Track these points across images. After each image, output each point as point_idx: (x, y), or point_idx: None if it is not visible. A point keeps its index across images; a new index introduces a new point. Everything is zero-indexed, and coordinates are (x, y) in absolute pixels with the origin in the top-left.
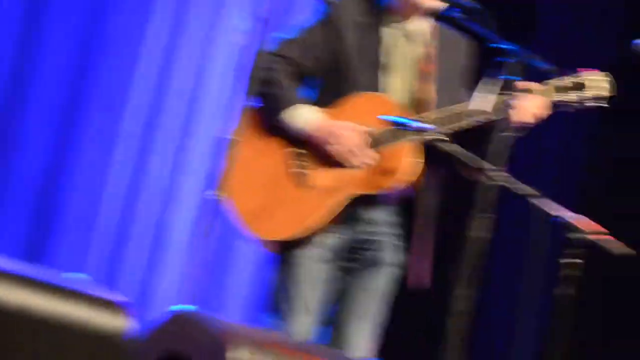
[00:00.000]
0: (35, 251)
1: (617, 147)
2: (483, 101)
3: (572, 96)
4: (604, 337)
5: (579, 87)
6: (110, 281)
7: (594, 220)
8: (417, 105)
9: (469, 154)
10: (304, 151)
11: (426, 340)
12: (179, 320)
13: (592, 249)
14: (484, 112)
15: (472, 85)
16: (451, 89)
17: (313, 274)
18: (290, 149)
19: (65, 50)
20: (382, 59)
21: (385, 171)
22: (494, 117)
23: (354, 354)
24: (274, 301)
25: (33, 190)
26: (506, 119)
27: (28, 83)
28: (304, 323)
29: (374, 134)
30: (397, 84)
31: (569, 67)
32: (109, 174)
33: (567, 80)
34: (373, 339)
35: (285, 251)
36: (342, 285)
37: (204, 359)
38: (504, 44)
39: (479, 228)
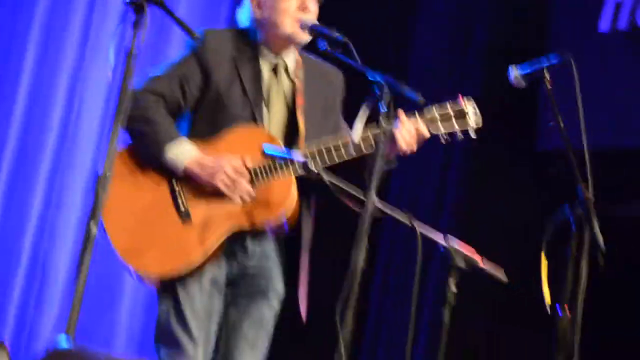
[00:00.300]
0: None
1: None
2: (361, 131)
3: (450, 126)
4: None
5: (461, 115)
6: None
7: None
8: (289, 137)
9: (346, 185)
10: (183, 186)
11: None
12: (58, 356)
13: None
14: (358, 145)
15: (339, 115)
16: (319, 120)
17: (197, 307)
18: (170, 184)
19: None
20: (255, 92)
21: (264, 205)
22: (368, 150)
23: None
24: (161, 334)
25: None
26: (383, 149)
27: None
28: (193, 356)
29: (253, 167)
30: (271, 116)
31: (438, 98)
32: None
33: (449, 108)
34: None
35: (167, 285)
36: (227, 316)
37: None
38: (373, 75)
39: (359, 256)
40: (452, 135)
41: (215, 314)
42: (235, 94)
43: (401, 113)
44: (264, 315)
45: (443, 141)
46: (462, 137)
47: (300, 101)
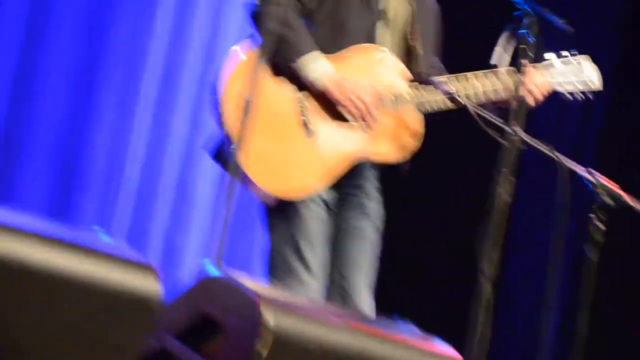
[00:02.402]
0: (59, 209)
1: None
2: (501, 58)
3: (569, 84)
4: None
5: (578, 70)
6: (134, 240)
7: None
8: (406, 63)
9: (493, 116)
10: (311, 101)
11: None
12: (209, 282)
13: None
14: (498, 90)
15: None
16: (430, 47)
17: (311, 234)
18: (298, 96)
19: (82, 10)
20: (380, 9)
21: (397, 137)
22: (506, 96)
23: (361, 309)
24: (274, 264)
25: (57, 148)
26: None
27: (47, 44)
28: (308, 284)
29: (389, 95)
30: (390, 37)
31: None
32: (131, 132)
33: (567, 61)
34: (371, 293)
35: (280, 211)
36: (335, 240)
37: (237, 321)
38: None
39: (503, 189)
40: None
41: (328, 238)
42: (355, 6)
43: (527, 64)
44: (371, 238)
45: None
46: (583, 97)
47: (414, 25)
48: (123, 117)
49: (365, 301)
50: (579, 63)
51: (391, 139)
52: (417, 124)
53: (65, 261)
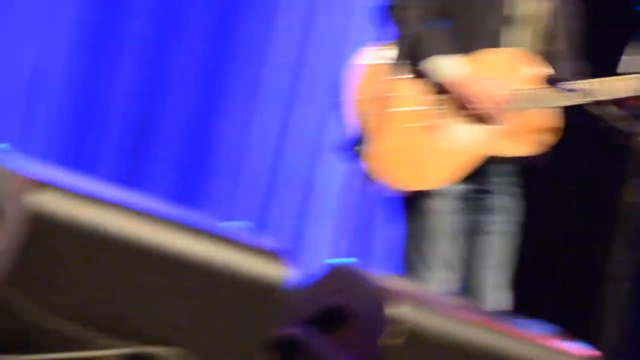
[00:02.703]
0: (188, 197)
1: None
2: (631, 66)
3: None
4: None
5: None
6: (260, 230)
7: None
8: (546, 63)
9: (623, 117)
10: (442, 101)
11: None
12: (338, 273)
13: None
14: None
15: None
16: (570, 49)
17: (448, 226)
18: (431, 98)
19: (211, 2)
20: (508, 10)
21: (528, 135)
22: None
23: (489, 306)
24: (407, 255)
25: (186, 138)
26: None
27: (178, 36)
28: (443, 279)
29: (520, 94)
30: (523, 38)
31: None
32: (256, 123)
33: None
34: (504, 291)
35: (407, 203)
36: (467, 236)
37: (366, 313)
38: None
39: (635, 193)
40: None
41: (457, 232)
42: (486, 10)
43: None
44: (505, 235)
45: None
46: None
47: (554, 26)
48: (251, 107)
49: (494, 298)
50: None
51: (521, 136)
52: (551, 119)
53: (196, 246)
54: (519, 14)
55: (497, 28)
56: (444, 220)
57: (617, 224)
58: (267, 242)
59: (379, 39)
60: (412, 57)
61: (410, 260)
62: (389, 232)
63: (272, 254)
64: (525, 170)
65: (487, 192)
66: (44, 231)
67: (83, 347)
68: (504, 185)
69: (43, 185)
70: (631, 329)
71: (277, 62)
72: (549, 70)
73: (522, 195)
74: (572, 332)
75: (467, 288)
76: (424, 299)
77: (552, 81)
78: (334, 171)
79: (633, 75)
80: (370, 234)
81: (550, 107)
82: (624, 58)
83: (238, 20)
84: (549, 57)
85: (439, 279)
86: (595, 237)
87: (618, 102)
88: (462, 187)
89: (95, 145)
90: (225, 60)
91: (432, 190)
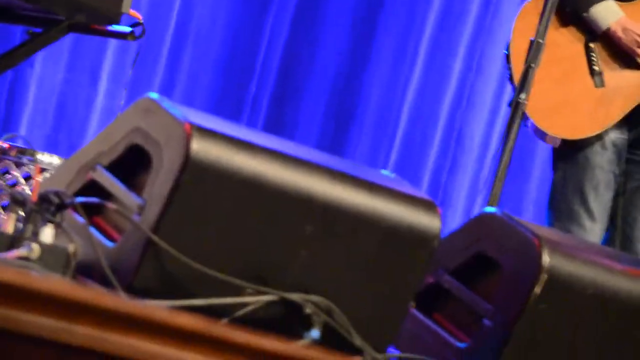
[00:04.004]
0: (334, 146)
1: None
2: None
3: None
4: None
5: None
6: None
7: None
8: None
9: None
10: (600, 47)
11: None
12: (487, 221)
13: None
14: None
15: None
16: None
17: (598, 176)
18: (587, 45)
19: None
20: None
21: None
22: None
23: None
24: (556, 203)
25: (335, 89)
26: None
27: None
28: (589, 229)
29: None
30: None
31: None
32: (406, 74)
33: None
34: None
35: (566, 149)
36: (623, 187)
37: (513, 261)
38: None
39: None
40: None
41: (614, 183)
42: None
43: None
44: None
45: None
46: None
47: None
48: (399, 59)
49: None
50: None
51: None
52: None
53: (348, 193)
54: None
55: None
56: (604, 169)
57: None
58: (420, 191)
59: None
60: (570, 7)
61: (571, 208)
62: (542, 181)
63: (425, 203)
64: None
65: None
66: (199, 178)
67: (230, 295)
68: None
69: (200, 131)
70: None
71: (432, 11)
72: None
73: None
74: None
75: (620, 238)
76: (571, 248)
77: None
78: (481, 121)
79: None
80: (523, 183)
81: None
82: None
83: None
84: None
85: (599, 229)
86: None
87: None
88: (623, 137)
89: (240, 95)
90: (380, 4)
91: (594, 141)
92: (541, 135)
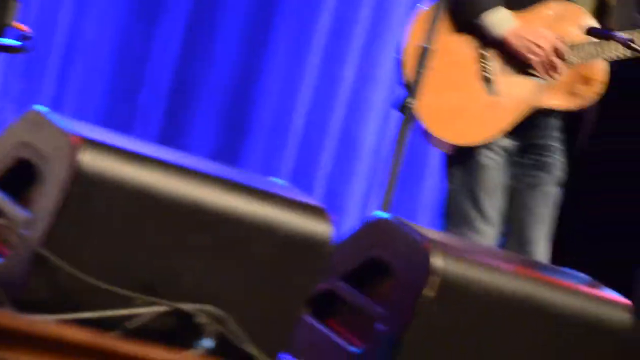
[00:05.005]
0: (228, 155)
1: None
2: None
3: None
4: None
5: None
6: (299, 187)
7: None
8: (598, 16)
9: None
10: (493, 55)
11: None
12: (379, 226)
13: None
14: None
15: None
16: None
17: (490, 181)
18: (480, 52)
19: None
20: None
21: (580, 85)
22: None
23: (534, 257)
24: (450, 210)
25: (227, 96)
26: None
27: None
28: (483, 232)
29: (574, 47)
30: None
31: None
32: (299, 81)
33: None
34: (548, 246)
35: (458, 154)
36: (515, 191)
37: (405, 265)
38: None
39: None
40: None
41: (506, 187)
42: None
43: None
44: (551, 190)
45: None
46: None
47: None
48: (291, 68)
49: (541, 251)
50: None
51: (569, 87)
52: (599, 72)
53: (239, 202)
54: None
55: None
56: (496, 174)
57: None
58: (311, 198)
59: None
60: (461, 14)
61: (465, 213)
62: (436, 185)
63: (316, 210)
64: (572, 125)
65: (536, 147)
66: (87, 190)
67: (121, 306)
68: (555, 141)
69: (88, 143)
70: None
71: (323, 20)
72: (602, 23)
73: (567, 150)
74: (607, 281)
75: (515, 240)
76: (461, 250)
77: (604, 32)
78: (373, 127)
79: None
80: (416, 188)
81: (605, 59)
82: None
83: None
84: (602, 9)
85: (493, 231)
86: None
87: None
88: (513, 143)
89: (131, 106)
90: (272, 14)
91: (485, 146)
92: (433, 141)
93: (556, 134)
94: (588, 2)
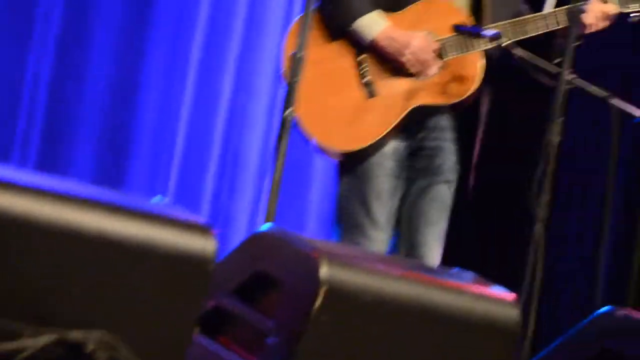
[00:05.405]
0: (109, 175)
1: None
2: (553, 5)
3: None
4: None
5: None
6: (183, 203)
7: None
8: (473, 14)
9: (537, 59)
10: (369, 59)
11: (492, 246)
12: (263, 239)
13: None
14: (546, 18)
15: None
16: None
17: (380, 186)
18: (356, 57)
19: None
20: None
21: (452, 82)
22: (556, 25)
23: (429, 262)
24: (341, 215)
25: (104, 116)
26: (577, 26)
27: (93, 10)
28: (374, 238)
29: (444, 43)
30: None
31: None
32: (179, 96)
33: None
34: (440, 247)
35: (347, 162)
36: (408, 193)
37: (292, 276)
38: None
39: (555, 132)
40: None
41: (397, 191)
42: None
43: None
44: (444, 195)
45: (631, 20)
46: None
47: None
48: (169, 85)
49: (433, 255)
50: None
51: (443, 84)
52: (473, 67)
53: (119, 225)
54: None
55: None
56: (386, 179)
57: (540, 165)
58: (194, 215)
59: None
60: (337, 21)
61: (355, 220)
62: (324, 193)
63: (198, 227)
64: (459, 121)
65: (426, 149)
66: None
67: (7, 339)
68: (447, 143)
69: None
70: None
71: (201, 34)
72: (478, 19)
73: (457, 149)
74: (492, 275)
75: (406, 244)
76: (349, 258)
77: (470, 30)
78: (256, 140)
79: (545, 12)
80: (304, 197)
81: (475, 52)
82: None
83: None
84: (477, 6)
85: (384, 237)
86: (518, 180)
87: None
88: (404, 145)
89: (9, 133)
90: (147, 29)
91: (374, 151)
92: (322, 149)
93: (448, 134)
94: (464, 2)
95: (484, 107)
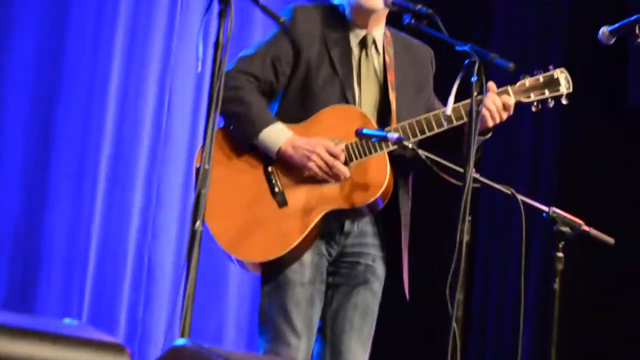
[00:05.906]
0: (18, 297)
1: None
2: (453, 102)
3: (541, 94)
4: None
5: (552, 83)
6: (98, 320)
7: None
8: (381, 115)
9: (443, 158)
10: (278, 169)
11: (415, 347)
12: (179, 353)
13: (581, 241)
14: (449, 116)
15: (432, 92)
16: (412, 97)
17: (298, 296)
18: (264, 167)
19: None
20: (345, 70)
21: (361, 185)
22: (459, 121)
23: None
24: (263, 326)
25: (13, 235)
26: (478, 118)
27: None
28: (295, 347)
29: (349, 148)
30: (362, 94)
31: (520, 64)
32: (90, 206)
33: (539, 78)
34: (365, 352)
35: (267, 273)
36: (331, 302)
37: None
38: (461, 45)
39: (463, 229)
40: (543, 102)
41: (318, 301)
42: (325, 72)
43: (492, 84)
44: (367, 301)
45: (534, 109)
46: (554, 103)
47: (391, 77)
48: (80, 195)
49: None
50: (548, 75)
51: (352, 187)
52: (381, 171)
53: (31, 348)
54: (361, 71)
55: (341, 88)
56: (306, 288)
57: (448, 264)
58: (106, 335)
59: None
60: (243, 137)
61: (277, 329)
62: (244, 306)
63: (112, 347)
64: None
65: (350, 255)
66: None
67: None
68: (372, 248)
69: None
70: None
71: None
72: (385, 122)
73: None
74: None
75: (330, 349)
76: None
77: (368, 134)
78: (169, 250)
79: (438, 110)
80: (222, 310)
81: (383, 154)
82: (449, 99)
83: (66, 89)
84: (385, 110)
85: (305, 345)
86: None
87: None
88: (321, 251)
89: None
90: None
91: (292, 260)
92: (239, 263)
93: (370, 239)
94: (372, 104)
95: (404, 209)
